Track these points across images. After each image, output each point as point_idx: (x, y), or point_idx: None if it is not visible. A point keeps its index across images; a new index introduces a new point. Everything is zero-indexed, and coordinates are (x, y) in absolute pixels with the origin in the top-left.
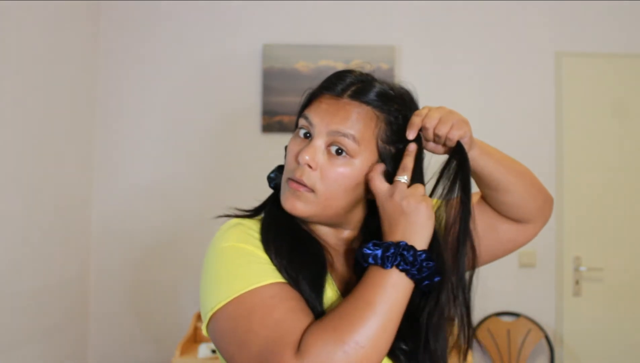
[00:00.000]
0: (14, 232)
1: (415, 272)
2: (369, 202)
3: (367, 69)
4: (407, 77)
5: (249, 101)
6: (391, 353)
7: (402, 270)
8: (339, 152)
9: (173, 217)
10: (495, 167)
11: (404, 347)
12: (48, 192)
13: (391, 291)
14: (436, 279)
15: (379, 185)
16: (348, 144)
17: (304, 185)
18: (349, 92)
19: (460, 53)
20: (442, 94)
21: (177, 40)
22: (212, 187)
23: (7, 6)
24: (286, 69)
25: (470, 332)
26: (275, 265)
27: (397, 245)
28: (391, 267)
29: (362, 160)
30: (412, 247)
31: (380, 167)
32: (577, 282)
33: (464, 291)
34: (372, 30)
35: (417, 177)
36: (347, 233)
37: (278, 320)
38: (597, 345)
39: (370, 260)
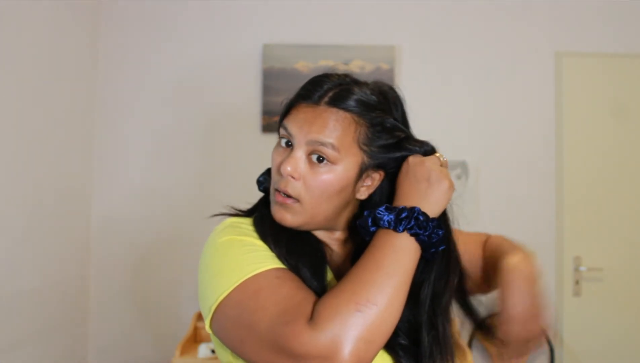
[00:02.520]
0: (14, 232)
1: (425, 238)
2: (359, 202)
3: (341, 69)
4: (407, 77)
5: (249, 101)
6: (390, 348)
7: (412, 235)
8: (320, 159)
9: (173, 217)
10: None
11: (402, 341)
12: (48, 192)
13: (401, 254)
14: (441, 248)
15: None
16: (328, 152)
17: (290, 197)
18: (325, 99)
19: (460, 53)
20: (442, 94)
21: (177, 40)
22: (212, 186)
23: (7, 6)
24: (286, 69)
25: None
26: (274, 253)
27: (412, 210)
28: (403, 230)
29: (344, 165)
30: (425, 213)
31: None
32: (577, 282)
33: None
34: (372, 30)
35: None
36: (338, 233)
37: (286, 295)
38: (597, 345)
39: (384, 223)
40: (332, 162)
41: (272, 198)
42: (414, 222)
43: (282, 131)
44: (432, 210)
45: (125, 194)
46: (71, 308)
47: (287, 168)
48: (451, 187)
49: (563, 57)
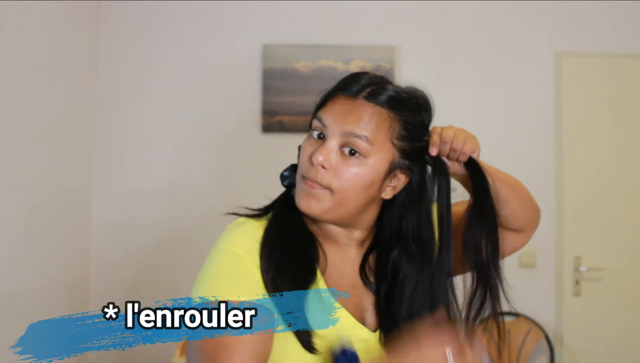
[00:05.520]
0: (14, 232)
1: None
2: (383, 201)
3: (379, 71)
4: (407, 77)
5: (249, 101)
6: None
7: None
8: (352, 152)
9: (173, 218)
10: (493, 183)
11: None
12: (48, 193)
13: None
14: None
15: None
16: (361, 144)
17: (319, 184)
18: (364, 93)
19: (460, 53)
20: (442, 94)
21: (177, 40)
22: (212, 187)
23: (7, 6)
24: (286, 69)
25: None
26: (262, 277)
27: None
28: None
29: (375, 159)
30: None
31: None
32: (577, 282)
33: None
34: (372, 30)
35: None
36: (357, 233)
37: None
38: (597, 345)
39: None
40: (364, 155)
41: (298, 187)
42: None
43: (315, 123)
44: None
45: (126, 194)
46: (71, 308)
47: (319, 157)
48: None
49: (563, 57)
